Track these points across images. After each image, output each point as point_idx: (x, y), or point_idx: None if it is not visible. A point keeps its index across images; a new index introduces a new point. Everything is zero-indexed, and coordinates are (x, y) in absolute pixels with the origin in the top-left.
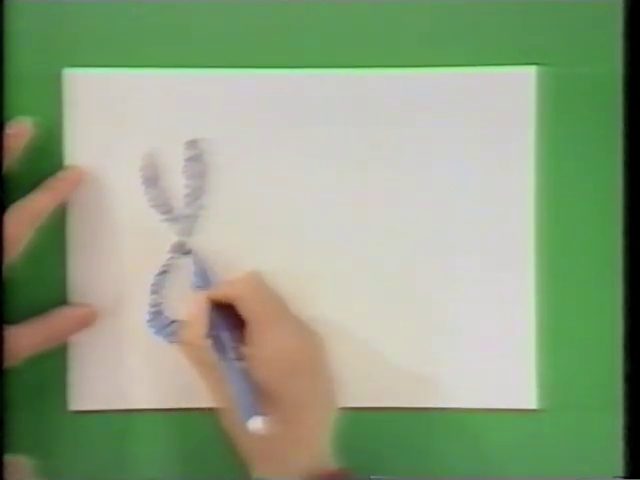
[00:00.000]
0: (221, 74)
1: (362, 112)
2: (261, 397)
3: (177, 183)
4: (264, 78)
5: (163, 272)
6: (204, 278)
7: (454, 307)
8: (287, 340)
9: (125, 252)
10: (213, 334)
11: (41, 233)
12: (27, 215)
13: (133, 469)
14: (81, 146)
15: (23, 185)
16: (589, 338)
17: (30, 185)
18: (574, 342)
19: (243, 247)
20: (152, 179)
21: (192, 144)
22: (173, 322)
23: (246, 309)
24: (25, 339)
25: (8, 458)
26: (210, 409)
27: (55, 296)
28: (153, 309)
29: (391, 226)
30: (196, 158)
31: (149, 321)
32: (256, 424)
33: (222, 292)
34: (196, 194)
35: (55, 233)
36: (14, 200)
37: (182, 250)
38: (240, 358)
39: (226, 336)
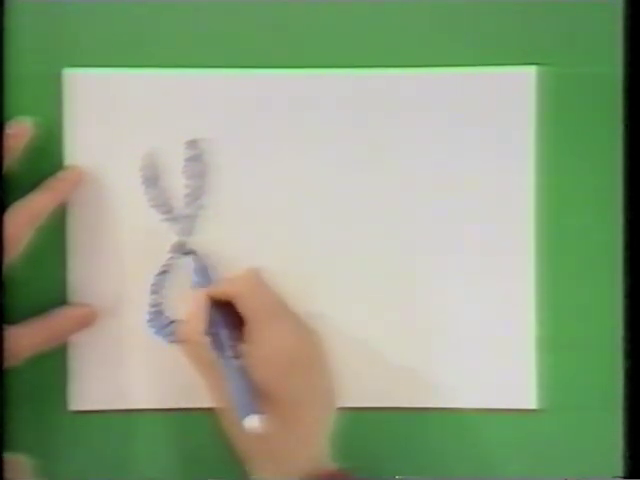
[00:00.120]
0: (221, 74)
1: (362, 112)
2: (259, 395)
3: (177, 183)
4: (264, 78)
5: (163, 272)
6: (204, 276)
7: (454, 307)
8: (285, 338)
9: (125, 252)
10: (212, 332)
11: (41, 233)
12: (27, 215)
13: (133, 469)
14: (81, 146)
15: (23, 185)
16: (589, 338)
17: (30, 185)
18: (574, 342)
19: (243, 247)
20: (152, 179)
21: (192, 144)
22: (173, 322)
23: (245, 307)
24: (25, 339)
25: (8, 457)
26: (210, 409)
27: (55, 296)
28: (153, 309)
29: (391, 225)
30: (196, 158)
31: (149, 321)
32: (253, 422)
33: (221, 290)
34: (196, 194)
35: (55, 233)
36: (14, 200)
37: (182, 250)
38: (238, 356)
39: (225, 334)
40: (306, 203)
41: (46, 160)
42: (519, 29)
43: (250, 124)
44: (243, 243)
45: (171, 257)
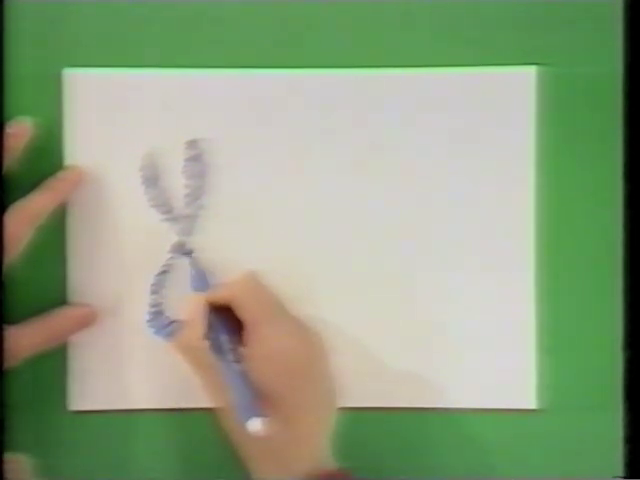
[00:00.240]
0: (221, 74)
1: (362, 112)
2: (260, 398)
3: (177, 183)
4: (264, 78)
5: (163, 272)
6: (202, 281)
7: (454, 307)
8: (285, 340)
9: (125, 252)
10: (211, 336)
11: (41, 233)
12: (27, 215)
13: (133, 469)
14: (81, 146)
15: (23, 185)
16: (589, 338)
17: (30, 185)
18: (574, 342)
19: (243, 247)
20: (152, 179)
21: (192, 144)
22: (173, 322)
23: (243, 310)
24: (25, 339)
25: (8, 457)
26: (210, 409)
27: (55, 296)
28: (153, 309)
29: (391, 225)
30: (196, 158)
31: (149, 321)
32: (255, 425)
33: (219, 294)
34: (196, 194)
35: (55, 233)
36: (14, 200)
37: (182, 250)
38: (238, 360)
39: (224, 338)
40: (306, 203)
41: (46, 160)
42: (519, 29)
43: (250, 124)
44: (243, 243)
45: (171, 257)
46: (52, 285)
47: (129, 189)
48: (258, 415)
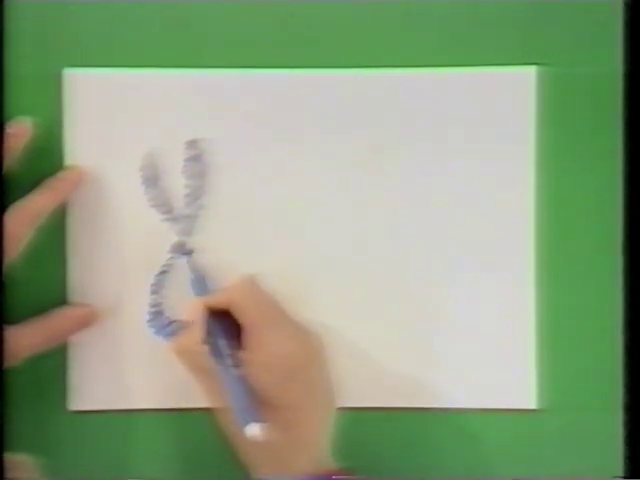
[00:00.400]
0: (221, 74)
1: (362, 112)
2: (259, 403)
3: (177, 183)
4: (264, 78)
5: (163, 272)
6: (202, 285)
7: (454, 307)
8: (284, 343)
9: (125, 252)
10: (210, 341)
11: (41, 233)
12: (27, 215)
13: (133, 469)
14: (81, 146)
15: (23, 185)
16: (589, 338)
17: (30, 185)
18: (574, 342)
19: (243, 247)
20: (152, 179)
21: (192, 144)
22: (173, 322)
23: (242, 314)
24: (25, 339)
25: (14, 457)
26: (210, 409)
27: (55, 296)
28: (153, 309)
29: (391, 226)
30: (196, 158)
31: (149, 321)
32: (254, 430)
33: (218, 299)
34: (196, 194)
35: (55, 233)
36: (14, 200)
37: (182, 250)
38: (237, 365)
39: (223, 343)
40: (306, 203)
41: (46, 160)
42: (519, 29)
43: (250, 124)
44: (243, 243)
45: (171, 257)
46: (52, 285)
47: (129, 189)
48: (257, 420)
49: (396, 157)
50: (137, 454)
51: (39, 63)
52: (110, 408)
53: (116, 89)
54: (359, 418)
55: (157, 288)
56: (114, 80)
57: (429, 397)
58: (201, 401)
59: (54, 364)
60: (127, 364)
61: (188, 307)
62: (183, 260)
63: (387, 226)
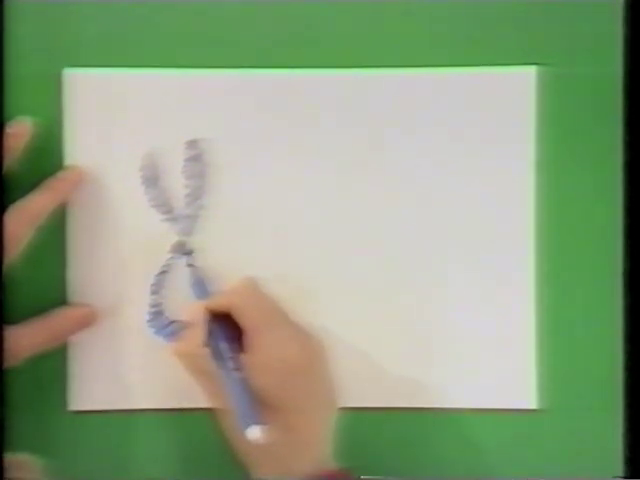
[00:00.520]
0: (221, 74)
1: (362, 112)
2: (260, 406)
3: (177, 183)
4: (264, 78)
5: (163, 272)
6: (202, 289)
7: (454, 307)
8: (284, 346)
9: (125, 252)
10: (211, 344)
11: (41, 233)
12: (27, 215)
13: (133, 469)
14: (81, 146)
15: (23, 185)
16: (589, 338)
17: (30, 185)
18: (574, 342)
19: (243, 247)
20: (152, 179)
21: (192, 144)
22: (173, 322)
23: (243, 317)
24: (25, 339)
25: (14, 457)
26: (210, 409)
27: (55, 296)
28: (153, 309)
29: (390, 225)
30: (196, 158)
31: (149, 321)
32: (255, 433)
33: (218, 302)
34: (196, 194)
35: (55, 233)
36: (14, 200)
37: (182, 250)
38: (238, 368)
39: (224, 346)
40: (306, 203)
41: (46, 160)
42: (519, 29)
43: (250, 124)
44: (243, 243)
45: (171, 257)
46: (52, 285)
47: (129, 189)
48: (258, 423)
49: (396, 157)
50: (137, 454)
51: (39, 63)
52: (110, 408)
53: (116, 89)
54: (359, 418)
55: (157, 288)
56: (114, 80)
57: (429, 397)
58: (201, 401)
59: (54, 364)
60: (127, 364)
61: (189, 310)
62: (183, 260)
63: (387, 226)
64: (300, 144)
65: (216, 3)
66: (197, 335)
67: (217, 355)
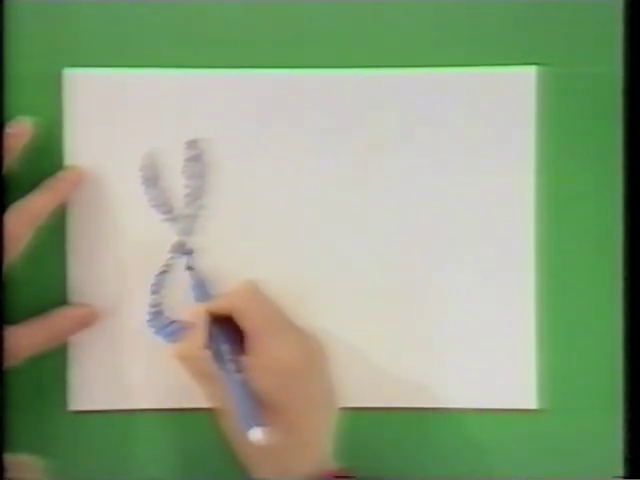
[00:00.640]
0: (221, 74)
1: (362, 112)
2: (261, 407)
3: (177, 183)
4: (264, 78)
5: (163, 272)
6: (203, 291)
7: (454, 307)
8: (286, 348)
9: (125, 252)
10: (212, 346)
11: (41, 233)
12: (27, 215)
13: (133, 469)
14: (81, 146)
15: (23, 185)
16: (589, 338)
17: (30, 185)
18: (574, 342)
19: (243, 247)
20: (152, 179)
21: (192, 144)
22: (173, 322)
23: (243, 320)
24: (25, 339)
25: (14, 457)
26: (210, 409)
27: (55, 296)
28: (153, 309)
29: (390, 225)
30: (196, 158)
31: (149, 321)
32: (256, 435)
33: (219, 304)
34: (196, 194)
35: (55, 233)
36: (14, 200)
37: (182, 250)
38: (239, 370)
39: (225, 348)
40: (306, 202)
41: (46, 160)
42: (519, 29)
43: (250, 124)
44: (243, 243)
45: (171, 257)
46: (52, 285)
47: (129, 189)
48: (259, 424)
49: (396, 157)
50: (137, 454)
51: (39, 63)
52: (110, 408)
53: (116, 89)
54: (359, 418)
55: (157, 288)
56: (114, 80)
57: (429, 397)
58: (201, 401)
59: (54, 364)
60: (127, 364)
61: (190, 312)
62: (183, 260)
63: (387, 226)
64: (300, 144)
65: (216, 3)
66: (198, 337)
67: (218, 357)
